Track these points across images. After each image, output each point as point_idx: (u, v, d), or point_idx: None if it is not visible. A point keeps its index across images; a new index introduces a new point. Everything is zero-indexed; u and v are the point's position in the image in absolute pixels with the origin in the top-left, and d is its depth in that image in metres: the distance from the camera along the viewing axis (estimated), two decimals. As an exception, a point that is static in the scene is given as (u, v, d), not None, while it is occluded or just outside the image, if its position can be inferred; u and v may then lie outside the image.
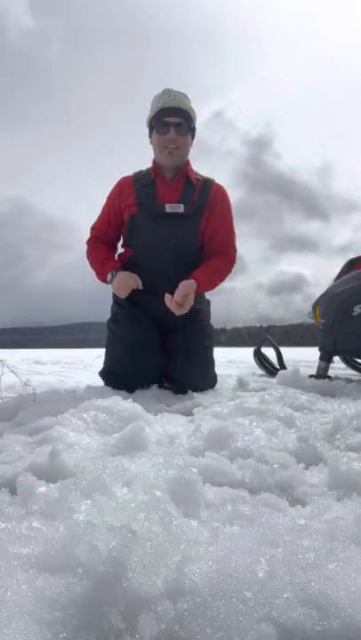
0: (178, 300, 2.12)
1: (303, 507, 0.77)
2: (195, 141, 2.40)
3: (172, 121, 2.21)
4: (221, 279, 2.34)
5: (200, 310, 2.37)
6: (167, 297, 2.13)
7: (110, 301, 2.44)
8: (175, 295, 2.13)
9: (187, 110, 2.24)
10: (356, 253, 2.78)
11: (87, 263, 2.46)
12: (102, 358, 2.39)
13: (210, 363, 2.35)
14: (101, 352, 2.46)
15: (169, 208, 2.24)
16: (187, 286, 2.14)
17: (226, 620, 0.45)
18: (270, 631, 0.44)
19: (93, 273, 2.42)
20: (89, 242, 2.47)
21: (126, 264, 2.36)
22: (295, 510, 0.76)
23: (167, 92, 2.24)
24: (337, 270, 2.85)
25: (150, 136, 2.33)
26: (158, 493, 0.70)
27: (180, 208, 2.24)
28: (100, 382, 2.39)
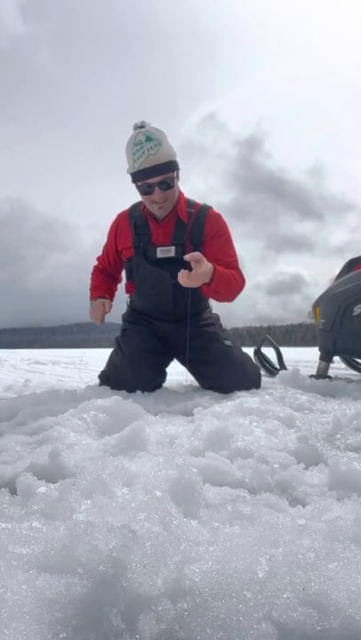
0: (189, 259, 1.93)
1: (303, 507, 0.77)
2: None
3: (155, 181, 2.12)
4: (236, 290, 2.23)
5: (210, 324, 2.38)
6: (180, 273, 1.98)
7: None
8: (186, 256, 1.95)
9: (165, 163, 2.11)
10: (354, 254, 2.78)
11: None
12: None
13: (243, 361, 2.28)
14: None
15: (160, 253, 2.26)
16: (200, 255, 1.97)
17: (226, 619, 0.45)
18: (270, 631, 0.44)
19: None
20: (93, 268, 2.62)
21: (132, 295, 2.50)
22: (295, 510, 0.76)
23: (140, 146, 2.09)
24: (335, 271, 2.85)
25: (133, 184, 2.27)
26: (158, 493, 0.70)
27: (171, 252, 2.25)
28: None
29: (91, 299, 2.47)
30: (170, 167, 2.15)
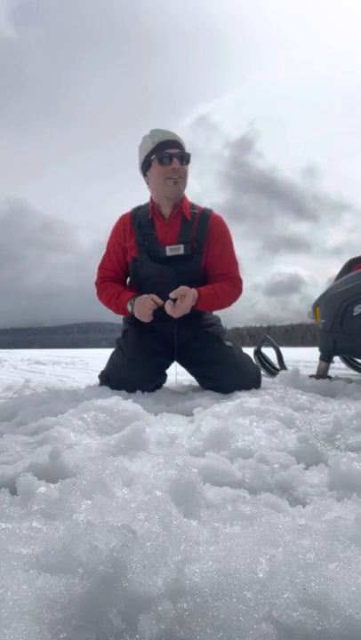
0: (173, 297, 2.10)
1: (303, 507, 0.77)
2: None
3: (174, 152, 2.25)
4: (226, 302, 2.32)
5: (211, 325, 2.38)
6: (167, 303, 2.13)
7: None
8: (171, 293, 2.11)
9: (183, 144, 2.32)
10: (352, 254, 2.78)
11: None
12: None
13: (243, 361, 2.29)
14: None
15: (169, 251, 2.29)
16: (186, 289, 2.13)
17: (226, 619, 0.45)
18: (270, 631, 0.44)
19: (111, 311, 2.45)
20: (97, 284, 2.49)
21: None
22: (295, 510, 0.76)
23: (159, 130, 2.30)
24: (333, 271, 2.86)
25: (146, 175, 2.36)
26: (158, 493, 0.70)
27: (180, 249, 2.29)
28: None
29: (124, 304, 2.31)
30: (187, 151, 2.30)
